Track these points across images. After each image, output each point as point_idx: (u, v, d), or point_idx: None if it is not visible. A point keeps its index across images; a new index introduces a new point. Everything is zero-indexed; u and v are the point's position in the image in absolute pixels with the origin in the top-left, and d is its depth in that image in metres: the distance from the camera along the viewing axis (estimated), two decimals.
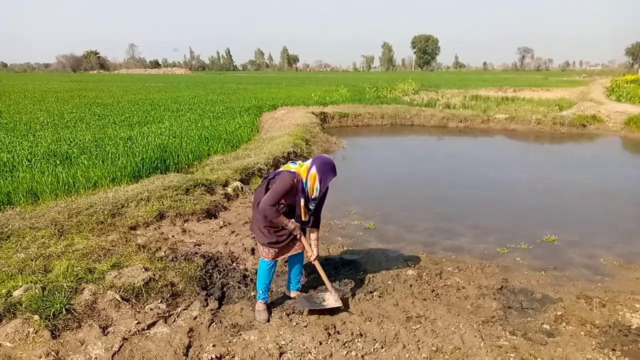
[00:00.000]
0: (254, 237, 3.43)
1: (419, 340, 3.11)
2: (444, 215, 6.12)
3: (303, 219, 3.26)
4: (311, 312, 3.41)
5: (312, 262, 3.44)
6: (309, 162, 3.18)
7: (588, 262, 4.60)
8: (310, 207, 3.24)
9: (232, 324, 3.29)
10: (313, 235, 3.43)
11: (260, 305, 3.43)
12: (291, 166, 3.22)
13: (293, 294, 3.68)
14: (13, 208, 5.07)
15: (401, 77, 37.40)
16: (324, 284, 3.54)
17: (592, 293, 3.83)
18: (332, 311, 3.43)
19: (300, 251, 3.49)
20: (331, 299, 3.47)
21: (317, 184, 3.11)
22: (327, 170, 3.10)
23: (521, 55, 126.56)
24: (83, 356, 2.82)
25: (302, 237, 3.35)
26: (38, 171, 6.23)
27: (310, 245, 3.39)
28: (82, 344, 2.92)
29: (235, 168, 7.06)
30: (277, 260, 3.44)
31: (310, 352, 2.96)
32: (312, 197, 3.18)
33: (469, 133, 14.40)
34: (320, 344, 3.04)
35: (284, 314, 3.45)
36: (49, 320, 2.99)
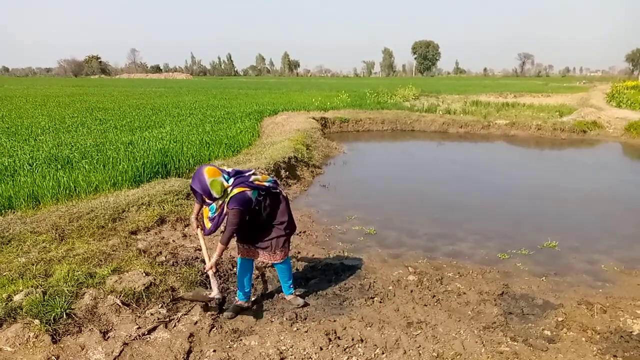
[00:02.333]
0: None
1: (420, 346, 3.11)
2: (444, 220, 6.12)
3: (205, 224, 3.36)
4: (180, 298, 3.42)
5: (206, 270, 3.43)
6: None
7: (589, 267, 4.59)
8: (210, 214, 3.28)
9: (232, 329, 3.29)
10: (217, 249, 3.26)
11: (236, 301, 3.57)
12: None
13: (288, 297, 3.69)
14: (14, 212, 5.07)
15: (402, 83, 37.48)
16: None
17: (593, 299, 3.83)
18: (205, 306, 3.43)
19: (272, 262, 3.52)
20: (208, 294, 3.40)
21: None
22: (193, 177, 3.16)
23: (521, 61, 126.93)
24: None
25: (201, 239, 3.49)
26: (39, 175, 6.23)
27: (209, 255, 3.43)
28: (83, 349, 2.92)
29: None
30: (249, 260, 3.51)
31: (310, 358, 2.96)
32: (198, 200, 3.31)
33: (469, 138, 14.43)
34: (321, 349, 3.04)
35: (285, 319, 3.45)
36: (50, 325, 2.99)
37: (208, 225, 3.28)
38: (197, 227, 3.45)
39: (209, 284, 3.51)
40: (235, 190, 3.14)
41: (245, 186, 3.18)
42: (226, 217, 3.21)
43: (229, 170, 3.26)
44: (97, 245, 4.25)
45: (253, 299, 3.73)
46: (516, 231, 5.71)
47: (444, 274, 4.32)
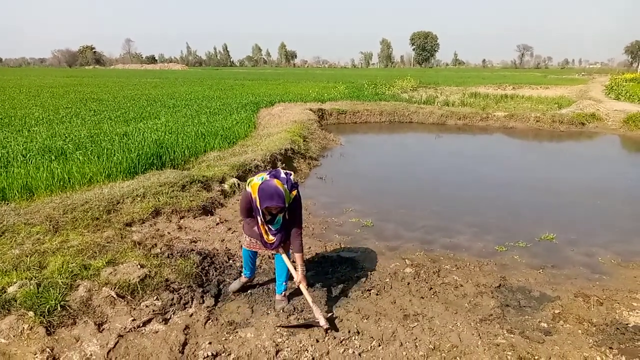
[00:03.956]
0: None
1: (417, 338, 3.10)
2: (442, 213, 6.10)
3: (264, 238, 3.28)
4: (284, 326, 3.19)
5: (298, 286, 3.36)
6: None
7: (586, 260, 4.60)
8: (272, 227, 3.23)
9: (228, 322, 3.27)
10: (297, 260, 3.31)
11: (242, 278, 3.71)
12: (254, 180, 3.19)
13: (276, 297, 3.57)
14: (8, 204, 5.02)
15: (400, 74, 37.37)
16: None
17: (589, 291, 3.83)
18: (310, 326, 3.19)
19: (276, 253, 3.46)
20: (315, 318, 3.21)
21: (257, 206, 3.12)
22: (263, 196, 3.02)
23: (520, 52, 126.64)
24: (78, 353, 2.80)
25: (285, 257, 3.38)
26: (33, 167, 6.17)
27: (294, 269, 3.34)
28: (77, 341, 2.89)
29: (232, 164, 7.02)
30: (254, 251, 3.55)
31: (307, 350, 2.94)
32: (266, 219, 3.20)
33: (467, 130, 14.40)
34: (317, 341, 3.02)
35: (281, 311, 3.43)
36: (44, 317, 2.97)
37: (272, 239, 3.27)
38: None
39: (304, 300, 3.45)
40: (292, 194, 3.21)
41: (295, 188, 3.27)
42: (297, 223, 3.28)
43: (270, 176, 3.22)
44: (92, 237, 4.21)
45: (249, 291, 3.72)
46: (514, 224, 5.71)
47: (441, 266, 4.31)
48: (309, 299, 3.28)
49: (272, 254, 3.61)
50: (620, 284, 4.03)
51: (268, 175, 3.17)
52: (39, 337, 2.84)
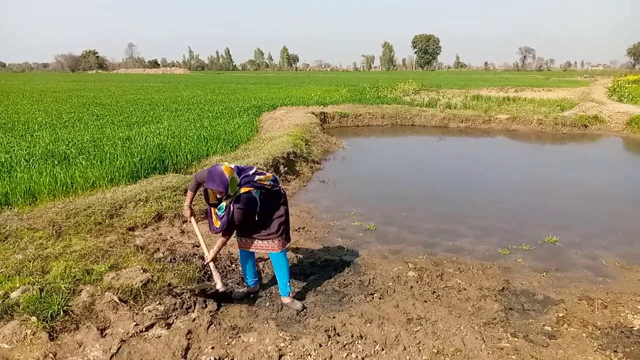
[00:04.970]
0: None
1: (420, 342, 3.09)
2: (444, 216, 6.09)
3: (212, 219, 3.42)
4: (191, 291, 3.52)
5: (206, 263, 3.53)
6: None
7: (590, 263, 4.57)
8: (218, 212, 3.33)
9: (231, 326, 3.27)
10: (218, 242, 3.42)
11: (246, 287, 3.78)
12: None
13: (284, 300, 3.60)
14: (11, 209, 5.03)
15: (402, 77, 37.40)
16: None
17: (593, 294, 3.81)
18: (212, 296, 3.50)
19: (269, 251, 3.54)
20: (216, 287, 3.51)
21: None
22: (209, 178, 3.17)
23: (522, 55, 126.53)
24: (81, 358, 2.80)
25: (196, 229, 3.56)
26: (36, 171, 6.19)
27: (208, 248, 3.53)
28: (80, 346, 2.90)
29: None
30: (249, 252, 3.61)
31: (309, 355, 2.93)
32: (211, 202, 3.36)
33: (470, 133, 14.37)
34: (320, 346, 3.01)
35: (284, 316, 3.42)
36: (47, 322, 2.97)
37: (217, 223, 3.35)
38: (191, 215, 3.56)
39: (212, 276, 3.59)
40: (242, 190, 3.24)
41: (251, 186, 3.28)
42: (232, 214, 3.26)
43: (233, 167, 3.29)
44: (94, 241, 4.22)
45: (252, 295, 3.72)
46: (517, 226, 5.68)
47: (444, 269, 4.29)
48: (213, 269, 3.50)
49: (268, 258, 3.65)
50: (624, 286, 4.01)
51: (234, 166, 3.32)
52: (42, 343, 2.84)
